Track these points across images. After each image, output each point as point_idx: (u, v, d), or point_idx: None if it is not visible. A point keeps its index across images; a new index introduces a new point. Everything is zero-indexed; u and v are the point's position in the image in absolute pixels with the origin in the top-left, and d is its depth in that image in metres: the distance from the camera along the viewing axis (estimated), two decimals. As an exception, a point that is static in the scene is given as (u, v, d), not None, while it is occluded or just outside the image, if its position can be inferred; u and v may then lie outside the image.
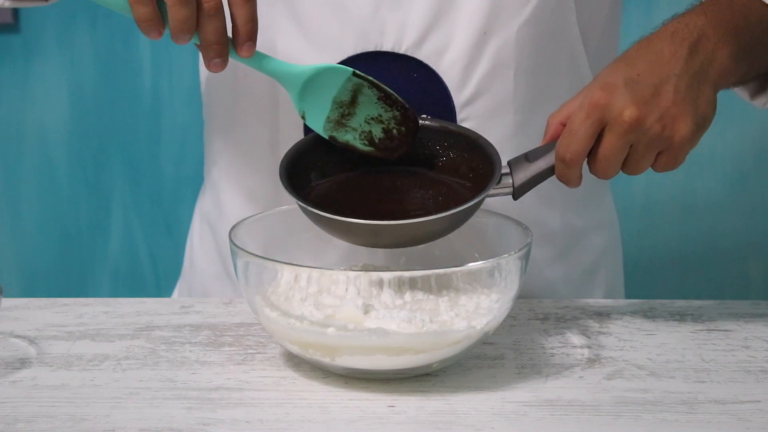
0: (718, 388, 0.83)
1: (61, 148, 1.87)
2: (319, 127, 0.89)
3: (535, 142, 1.00)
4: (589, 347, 0.91)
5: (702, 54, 0.86)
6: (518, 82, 0.97)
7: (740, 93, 0.99)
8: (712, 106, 0.86)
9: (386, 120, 0.89)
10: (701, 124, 0.86)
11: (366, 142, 0.90)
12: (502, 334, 0.93)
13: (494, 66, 0.96)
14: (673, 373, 0.86)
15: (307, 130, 0.92)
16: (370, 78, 0.88)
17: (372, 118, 0.89)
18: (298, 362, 0.87)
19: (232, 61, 0.87)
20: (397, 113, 0.89)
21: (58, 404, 0.80)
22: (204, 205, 1.12)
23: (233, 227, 0.89)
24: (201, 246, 1.12)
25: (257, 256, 0.83)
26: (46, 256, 1.91)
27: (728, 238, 1.86)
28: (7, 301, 0.99)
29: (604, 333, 0.94)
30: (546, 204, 1.04)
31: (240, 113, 1.03)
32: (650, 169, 0.88)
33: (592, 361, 0.88)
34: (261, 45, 0.89)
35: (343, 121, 0.89)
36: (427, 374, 0.85)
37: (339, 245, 0.98)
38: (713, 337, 0.93)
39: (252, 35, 0.85)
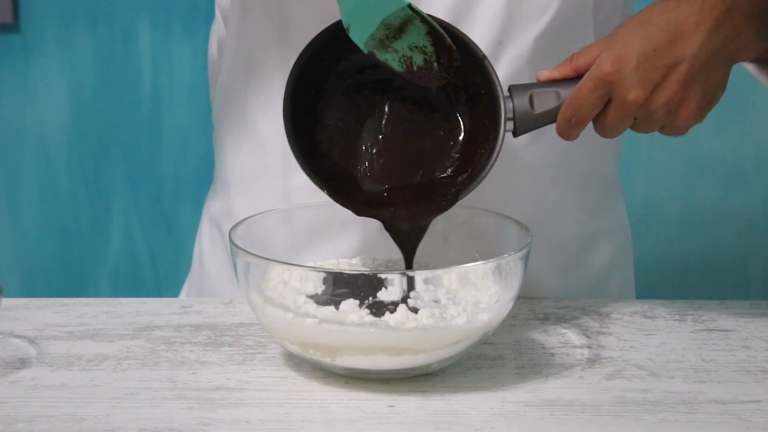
0: (718, 388, 0.83)
1: (61, 148, 1.87)
2: (362, 42, 0.88)
3: (551, 151, 1.00)
4: (589, 347, 0.91)
5: (728, 28, 0.84)
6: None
7: (758, 76, 0.97)
8: (722, 86, 0.86)
9: (429, 53, 0.89)
10: (706, 107, 0.86)
11: (404, 66, 0.89)
12: (502, 334, 0.93)
13: (509, 76, 0.96)
14: (673, 373, 0.86)
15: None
16: (425, 15, 0.87)
17: (416, 47, 0.88)
18: (298, 362, 0.87)
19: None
20: (442, 54, 0.89)
21: (58, 404, 0.80)
22: (213, 209, 1.12)
23: (233, 227, 0.89)
24: (211, 250, 1.12)
25: (257, 256, 0.83)
26: (46, 256, 1.91)
27: (728, 239, 1.86)
28: (7, 301, 0.99)
29: (604, 333, 0.94)
30: (558, 211, 1.03)
31: (251, 118, 1.03)
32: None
33: (592, 361, 0.88)
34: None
35: (387, 42, 0.88)
36: (427, 374, 0.85)
37: (339, 244, 0.98)
38: (713, 337, 0.93)
39: None
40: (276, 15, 0.98)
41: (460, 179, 0.89)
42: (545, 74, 0.88)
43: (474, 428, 0.77)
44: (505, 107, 0.87)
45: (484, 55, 0.88)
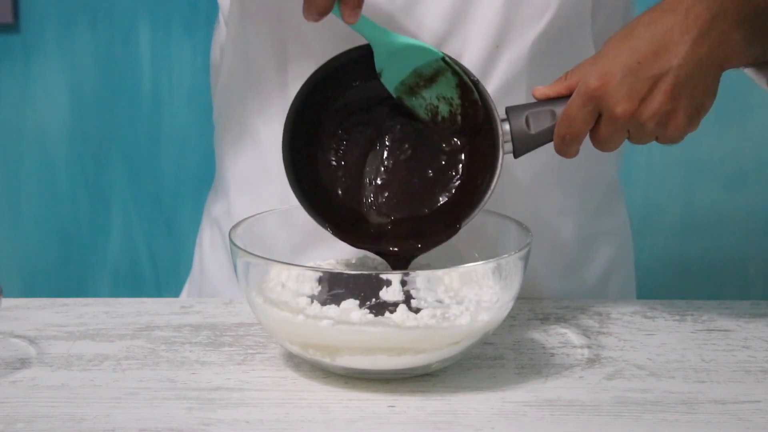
0: (718, 388, 0.83)
1: (61, 148, 1.87)
2: (392, 87, 0.90)
3: (552, 155, 1.00)
4: (589, 347, 0.91)
5: (714, 36, 0.84)
6: (530, 96, 0.96)
7: (757, 80, 0.96)
8: (712, 94, 0.85)
9: (455, 106, 0.90)
10: (696, 115, 0.85)
11: (429, 114, 0.91)
12: (502, 334, 0.93)
13: (506, 80, 0.95)
14: (673, 373, 0.86)
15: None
16: (456, 67, 0.88)
17: (444, 98, 0.90)
18: (298, 362, 0.87)
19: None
20: (468, 107, 0.90)
21: (58, 404, 0.80)
22: (213, 210, 1.12)
23: (233, 227, 0.89)
24: (212, 251, 1.12)
25: (257, 256, 0.83)
26: (46, 256, 1.91)
27: (728, 239, 1.86)
28: (7, 301, 0.99)
29: (604, 333, 0.94)
30: (559, 214, 1.03)
31: (250, 122, 1.03)
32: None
33: (592, 361, 0.88)
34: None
35: (416, 89, 0.90)
36: (427, 374, 0.85)
37: (338, 245, 0.98)
38: (713, 337, 0.93)
39: (361, 2, 0.84)
40: (274, 20, 0.98)
41: (462, 206, 0.89)
42: (541, 91, 0.88)
43: (474, 428, 0.77)
44: (502, 130, 0.88)
45: (477, 79, 0.89)
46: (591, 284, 1.08)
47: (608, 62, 0.85)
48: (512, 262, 0.83)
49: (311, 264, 0.96)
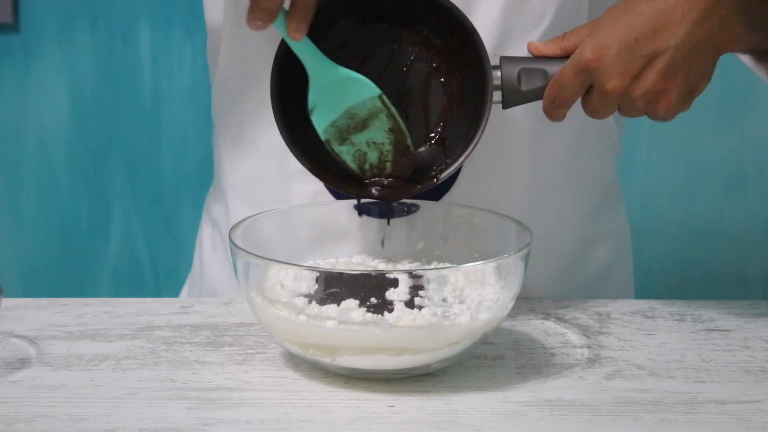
0: (718, 388, 0.83)
1: (61, 148, 1.87)
2: (322, 128, 0.88)
3: (552, 156, 1.00)
4: (589, 347, 0.91)
5: (715, 19, 0.83)
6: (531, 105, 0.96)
7: (757, 71, 0.96)
8: (707, 76, 0.85)
9: (386, 152, 0.88)
10: (688, 97, 0.85)
11: (356, 162, 0.89)
12: (502, 334, 0.93)
13: None
14: (673, 373, 0.86)
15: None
16: (393, 109, 0.87)
17: (374, 143, 0.88)
18: (298, 362, 0.87)
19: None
20: (399, 156, 0.89)
21: (58, 404, 0.80)
22: (213, 211, 1.12)
23: (233, 227, 0.89)
24: (212, 251, 1.12)
25: (257, 256, 0.83)
26: (46, 256, 1.91)
27: (728, 240, 1.86)
28: (7, 301, 0.99)
29: (604, 333, 0.94)
30: (558, 216, 1.03)
31: (248, 126, 1.03)
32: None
33: (592, 361, 0.88)
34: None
35: (346, 134, 0.88)
36: (427, 374, 0.85)
37: (338, 243, 0.98)
38: (713, 337, 0.93)
39: (308, 19, 0.83)
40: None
41: (445, 157, 0.89)
42: (536, 46, 0.88)
43: (474, 428, 0.77)
44: (493, 75, 0.87)
45: (474, 29, 0.88)
46: (589, 286, 1.08)
47: (605, 35, 0.84)
48: (512, 262, 0.83)
49: (312, 263, 0.96)
